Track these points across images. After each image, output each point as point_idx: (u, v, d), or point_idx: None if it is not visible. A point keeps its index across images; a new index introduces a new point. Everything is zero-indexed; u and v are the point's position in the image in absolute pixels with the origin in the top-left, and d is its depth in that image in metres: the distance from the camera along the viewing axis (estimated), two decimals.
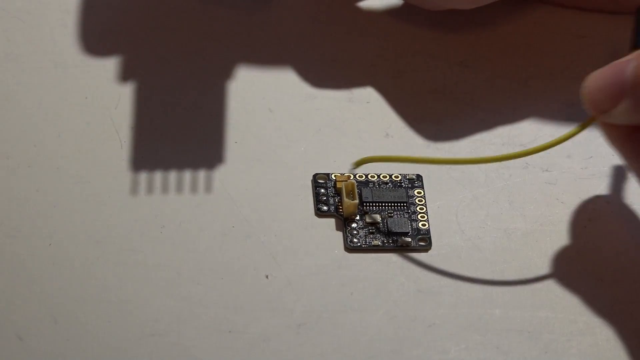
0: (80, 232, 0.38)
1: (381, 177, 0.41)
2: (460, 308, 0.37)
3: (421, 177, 0.41)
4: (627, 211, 0.41)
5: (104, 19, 0.45)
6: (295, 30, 0.46)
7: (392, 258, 0.39)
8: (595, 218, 0.41)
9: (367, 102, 0.44)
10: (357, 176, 0.41)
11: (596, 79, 0.38)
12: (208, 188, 0.40)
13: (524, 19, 0.47)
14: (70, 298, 0.36)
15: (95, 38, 0.45)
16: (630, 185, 0.41)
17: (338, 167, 0.41)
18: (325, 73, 0.44)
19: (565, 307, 0.38)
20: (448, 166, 0.41)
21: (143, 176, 0.40)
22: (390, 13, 0.46)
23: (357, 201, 0.39)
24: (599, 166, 0.42)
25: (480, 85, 0.44)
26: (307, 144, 0.42)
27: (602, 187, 0.41)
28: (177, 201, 0.39)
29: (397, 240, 0.39)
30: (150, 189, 0.40)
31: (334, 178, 0.41)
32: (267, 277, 0.37)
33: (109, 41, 0.45)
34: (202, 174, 0.40)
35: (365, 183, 0.41)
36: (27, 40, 0.44)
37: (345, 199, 0.39)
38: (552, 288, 0.38)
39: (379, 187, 0.41)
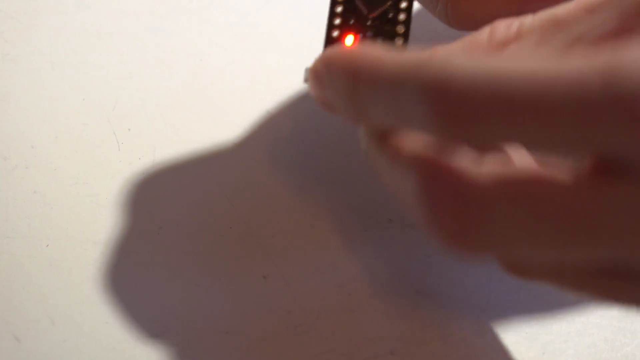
0: (77, 233, 0.38)
1: None
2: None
3: None
4: None
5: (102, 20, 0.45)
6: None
7: (391, 258, 0.39)
8: None
9: None
10: None
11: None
12: (205, 189, 0.40)
13: None
14: (67, 299, 0.36)
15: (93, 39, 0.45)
16: None
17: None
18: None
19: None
20: None
21: (140, 178, 0.40)
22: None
23: None
24: None
25: None
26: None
27: None
28: (174, 202, 0.39)
29: None
30: (147, 190, 0.40)
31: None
32: (264, 277, 0.37)
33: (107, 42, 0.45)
34: (199, 175, 0.40)
35: None
36: (25, 41, 0.44)
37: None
38: (549, 289, 0.38)
39: None
